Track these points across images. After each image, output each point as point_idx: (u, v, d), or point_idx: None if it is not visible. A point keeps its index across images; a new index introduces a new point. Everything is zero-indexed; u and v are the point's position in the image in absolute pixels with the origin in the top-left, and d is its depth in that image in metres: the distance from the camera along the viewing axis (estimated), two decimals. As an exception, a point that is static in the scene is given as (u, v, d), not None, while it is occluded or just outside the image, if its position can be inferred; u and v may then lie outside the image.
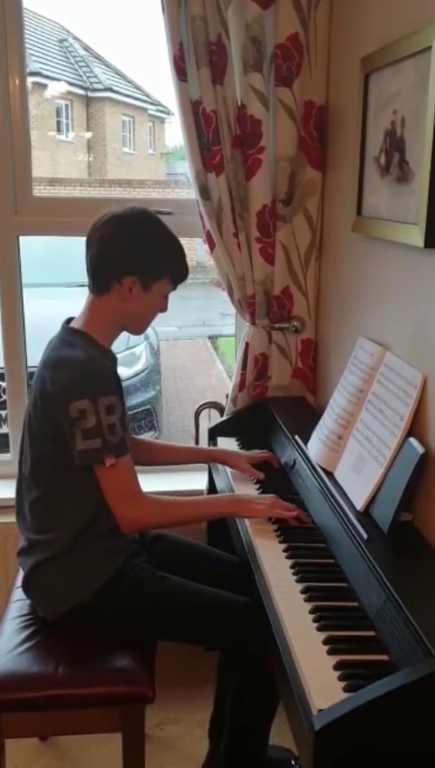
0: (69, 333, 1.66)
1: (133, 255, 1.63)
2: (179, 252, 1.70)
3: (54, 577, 1.64)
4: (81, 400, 1.52)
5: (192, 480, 2.33)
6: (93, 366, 1.58)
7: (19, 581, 1.77)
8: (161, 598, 1.65)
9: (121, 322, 1.70)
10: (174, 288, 1.72)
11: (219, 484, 2.02)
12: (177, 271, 1.70)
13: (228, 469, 1.96)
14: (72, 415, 1.53)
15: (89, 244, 1.65)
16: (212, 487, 2.14)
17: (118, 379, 1.66)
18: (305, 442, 1.85)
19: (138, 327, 1.75)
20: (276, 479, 1.87)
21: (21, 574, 1.74)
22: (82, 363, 1.57)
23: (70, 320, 1.71)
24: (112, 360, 1.70)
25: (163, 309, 1.74)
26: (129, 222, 1.64)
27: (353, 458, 1.60)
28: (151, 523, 1.72)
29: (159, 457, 2.00)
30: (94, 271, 1.66)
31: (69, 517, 1.62)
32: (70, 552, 1.62)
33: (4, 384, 2.56)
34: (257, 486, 1.84)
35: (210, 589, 1.67)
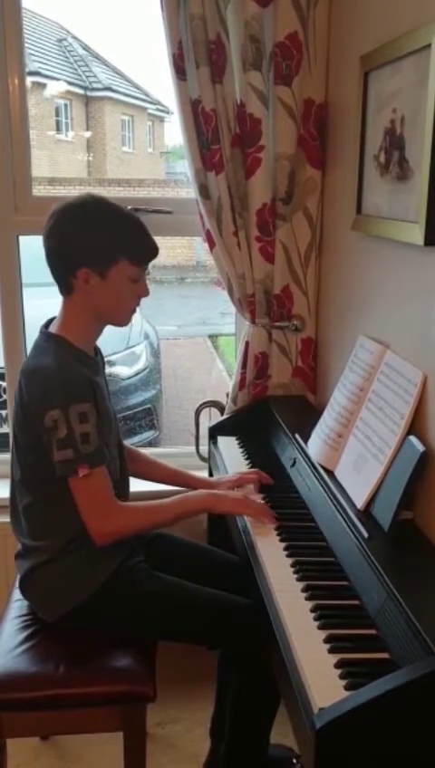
0: (44, 339, 1.63)
1: (75, 246, 1.56)
2: (130, 229, 1.59)
3: (51, 580, 1.63)
4: (53, 410, 1.49)
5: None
6: (64, 373, 1.53)
7: (18, 582, 1.77)
8: (159, 599, 1.65)
9: (98, 317, 1.64)
10: (141, 268, 1.63)
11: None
12: (132, 250, 1.59)
13: (229, 469, 1.95)
14: (47, 425, 1.50)
15: (43, 247, 1.60)
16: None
17: (94, 384, 1.58)
18: (306, 441, 1.85)
19: (117, 318, 1.67)
20: (277, 478, 1.86)
21: (19, 575, 1.74)
22: (52, 372, 1.53)
23: (50, 321, 1.67)
24: (91, 363, 1.64)
25: (142, 293, 1.65)
26: (66, 213, 1.58)
27: (354, 457, 1.60)
28: (129, 533, 1.63)
29: (149, 473, 1.94)
30: (51, 272, 1.61)
31: (62, 524, 1.60)
32: (65, 556, 1.61)
33: (4, 384, 2.56)
34: (262, 496, 1.82)
35: (208, 589, 1.67)
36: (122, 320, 1.69)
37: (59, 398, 1.50)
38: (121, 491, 1.72)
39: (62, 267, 1.59)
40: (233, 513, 1.70)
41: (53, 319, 1.67)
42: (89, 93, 6.85)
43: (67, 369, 1.54)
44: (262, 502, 1.69)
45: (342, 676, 1.13)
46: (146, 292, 1.66)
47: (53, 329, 1.64)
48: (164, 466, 1.95)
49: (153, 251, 1.64)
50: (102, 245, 1.58)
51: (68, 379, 1.53)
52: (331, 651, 1.20)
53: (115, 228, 1.59)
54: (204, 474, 2.24)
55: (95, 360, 1.70)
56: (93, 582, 1.61)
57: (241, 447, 2.11)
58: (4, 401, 2.55)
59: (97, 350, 1.74)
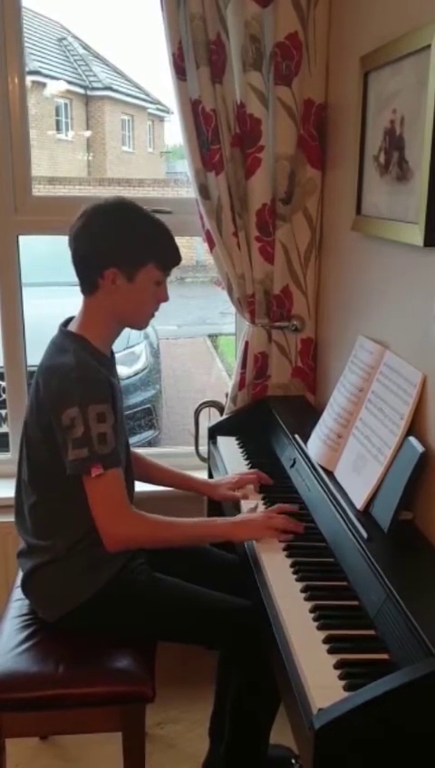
0: (63, 337, 1.63)
1: (107, 246, 1.58)
2: (160, 234, 1.62)
3: (52, 580, 1.63)
4: (71, 408, 1.49)
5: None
6: (84, 372, 1.53)
7: (19, 581, 1.77)
8: (159, 600, 1.65)
9: (118, 319, 1.65)
10: (166, 273, 1.65)
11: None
12: (160, 254, 1.63)
13: (228, 469, 1.95)
14: (64, 423, 1.50)
15: (69, 246, 1.62)
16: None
17: (113, 385, 1.59)
18: (305, 441, 1.85)
19: (137, 321, 1.69)
20: (276, 479, 1.86)
21: (21, 575, 1.74)
22: (72, 370, 1.53)
23: (69, 320, 1.68)
24: (108, 364, 1.65)
25: (162, 298, 1.67)
26: (99, 214, 1.59)
27: (353, 457, 1.60)
28: (140, 542, 1.61)
29: (150, 476, 1.93)
30: (77, 271, 1.62)
31: (67, 524, 1.60)
32: (68, 557, 1.61)
33: (3, 383, 2.56)
34: (262, 496, 1.82)
35: (208, 591, 1.67)
36: (141, 322, 1.71)
37: (78, 396, 1.50)
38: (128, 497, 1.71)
39: (92, 266, 1.60)
40: (254, 540, 1.61)
41: (71, 318, 1.68)
42: (89, 93, 6.86)
43: (87, 369, 1.54)
44: (284, 517, 1.61)
45: (341, 677, 1.13)
46: (166, 297, 1.68)
47: (72, 327, 1.64)
48: (165, 469, 1.95)
49: (179, 257, 1.67)
50: (134, 247, 1.59)
51: (88, 377, 1.53)
52: (330, 652, 1.20)
53: (147, 232, 1.61)
54: (204, 474, 2.24)
55: (112, 361, 1.70)
56: (95, 584, 1.61)
57: (241, 447, 2.11)
58: (4, 401, 2.55)
59: (111, 351, 1.74)
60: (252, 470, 1.89)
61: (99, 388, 1.53)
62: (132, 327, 1.72)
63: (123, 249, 1.59)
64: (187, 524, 1.64)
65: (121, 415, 1.69)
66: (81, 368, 1.54)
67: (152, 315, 1.70)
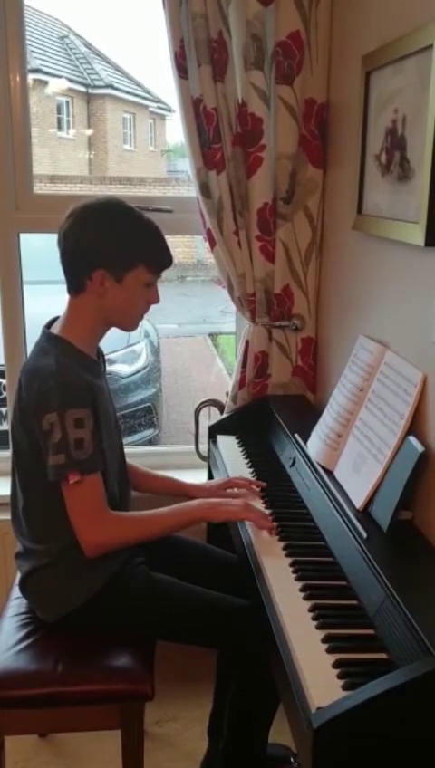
0: (46, 339, 1.61)
1: (96, 247, 1.56)
2: (151, 236, 1.60)
3: (50, 583, 1.63)
4: (50, 413, 1.48)
5: (192, 479, 2.32)
6: (63, 377, 1.51)
7: (17, 581, 1.77)
8: (158, 601, 1.65)
9: (105, 320, 1.63)
10: (156, 275, 1.63)
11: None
12: (150, 256, 1.60)
13: (228, 468, 1.95)
14: (44, 428, 1.49)
15: (58, 245, 1.59)
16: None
17: (95, 389, 1.57)
18: (305, 440, 1.85)
19: (125, 323, 1.67)
20: (276, 478, 1.86)
21: (19, 575, 1.74)
22: (52, 374, 1.51)
23: (53, 321, 1.66)
24: (92, 366, 1.63)
25: (152, 300, 1.65)
26: (88, 213, 1.57)
27: (353, 457, 1.60)
28: (119, 544, 1.60)
29: (139, 484, 1.89)
30: (65, 271, 1.60)
31: (62, 528, 1.57)
32: (65, 560, 1.60)
33: (4, 381, 2.56)
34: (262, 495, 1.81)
35: (207, 591, 1.66)
36: (130, 324, 1.69)
37: (57, 402, 1.48)
38: (122, 499, 1.71)
39: (79, 267, 1.58)
40: (229, 521, 1.67)
41: (56, 318, 1.66)
42: (90, 91, 6.87)
43: (67, 373, 1.53)
44: (263, 512, 1.65)
45: (339, 676, 1.13)
46: (156, 299, 1.66)
47: (55, 329, 1.62)
48: (160, 477, 1.92)
49: (170, 260, 1.65)
50: (124, 249, 1.57)
51: (67, 383, 1.51)
52: (329, 651, 1.20)
53: (137, 234, 1.59)
54: (203, 472, 2.25)
55: (97, 363, 1.68)
56: (93, 585, 1.61)
57: (241, 446, 2.11)
58: (5, 398, 2.55)
59: (99, 351, 1.73)
60: (242, 477, 1.84)
61: (78, 393, 1.51)
62: (120, 328, 1.69)
63: (112, 251, 1.57)
64: (164, 515, 1.62)
65: (111, 417, 1.68)
66: (61, 373, 1.52)
67: (141, 317, 1.68)
